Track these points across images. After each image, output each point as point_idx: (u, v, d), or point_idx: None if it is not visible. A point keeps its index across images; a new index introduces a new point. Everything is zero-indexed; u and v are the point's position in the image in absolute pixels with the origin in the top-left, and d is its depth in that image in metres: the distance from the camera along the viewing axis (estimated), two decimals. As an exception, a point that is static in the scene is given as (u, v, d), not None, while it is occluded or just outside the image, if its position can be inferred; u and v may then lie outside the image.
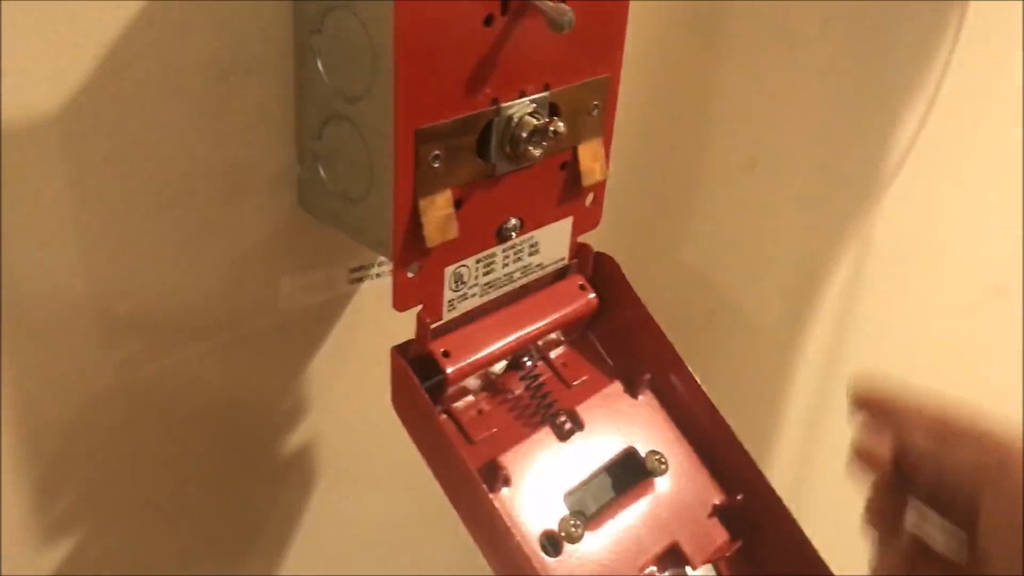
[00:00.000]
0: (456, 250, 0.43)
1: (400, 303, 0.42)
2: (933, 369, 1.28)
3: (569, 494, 0.45)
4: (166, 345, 0.45)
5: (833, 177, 0.86)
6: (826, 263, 0.93)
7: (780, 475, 1.02)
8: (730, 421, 0.48)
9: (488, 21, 0.39)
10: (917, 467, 0.40)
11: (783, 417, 0.99)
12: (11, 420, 0.41)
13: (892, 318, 1.11)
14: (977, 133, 1.05)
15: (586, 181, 0.47)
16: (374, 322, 0.53)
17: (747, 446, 0.48)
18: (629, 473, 0.47)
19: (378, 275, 0.52)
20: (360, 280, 0.51)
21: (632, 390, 0.50)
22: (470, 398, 0.47)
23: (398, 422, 0.58)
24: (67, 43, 0.37)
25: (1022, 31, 0.99)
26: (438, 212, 0.41)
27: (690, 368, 0.49)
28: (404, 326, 0.45)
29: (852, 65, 0.80)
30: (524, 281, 0.48)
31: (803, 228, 0.86)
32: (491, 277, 0.46)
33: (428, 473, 0.60)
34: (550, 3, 0.39)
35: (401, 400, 0.44)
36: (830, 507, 1.15)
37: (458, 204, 0.42)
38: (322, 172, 0.45)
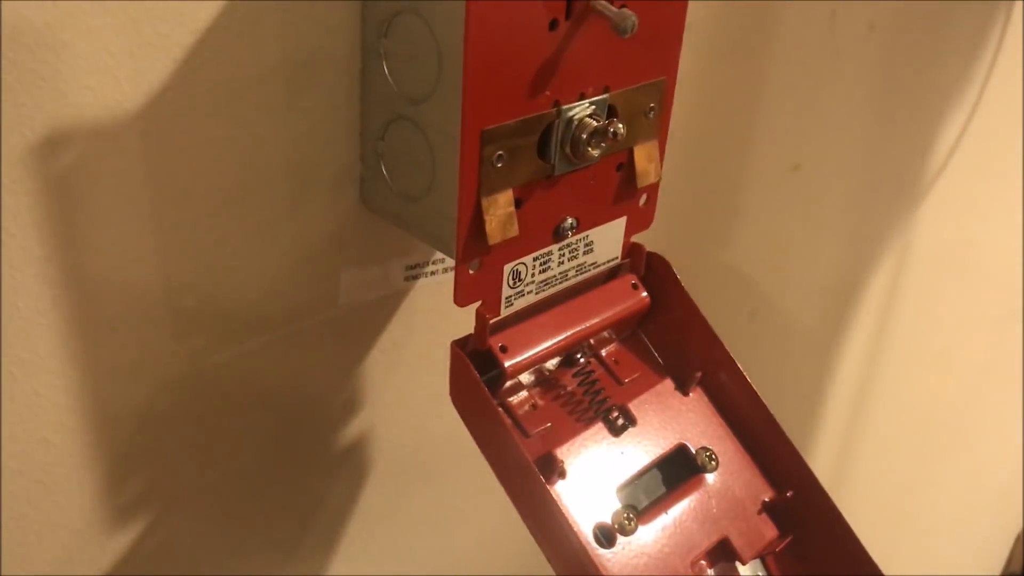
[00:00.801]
0: (515, 248, 0.44)
1: (461, 299, 0.43)
2: (967, 373, 1.28)
3: (622, 488, 0.46)
4: (232, 337, 0.47)
5: (875, 182, 0.87)
6: (866, 268, 0.94)
7: (820, 473, 1.02)
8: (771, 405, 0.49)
9: (553, 25, 0.40)
10: None
11: (822, 418, 0.99)
12: (85, 409, 0.43)
13: (930, 323, 1.11)
14: (1018, 140, 1.05)
15: (641, 182, 0.48)
16: (428, 319, 0.54)
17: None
18: (680, 468, 0.48)
19: (432, 273, 0.53)
20: (416, 277, 0.52)
21: (683, 387, 0.50)
22: (524, 393, 0.48)
23: (450, 417, 0.60)
24: (147, 44, 0.38)
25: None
26: (500, 211, 0.42)
27: (740, 366, 0.49)
28: (456, 323, 0.46)
29: (897, 70, 0.80)
30: (578, 279, 0.48)
31: (845, 232, 0.87)
32: (547, 275, 0.47)
33: (478, 468, 0.61)
34: (614, 8, 0.40)
35: (460, 393, 0.46)
36: (870, 506, 1.15)
37: (518, 203, 0.43)
38: (384, 171, 0.46)
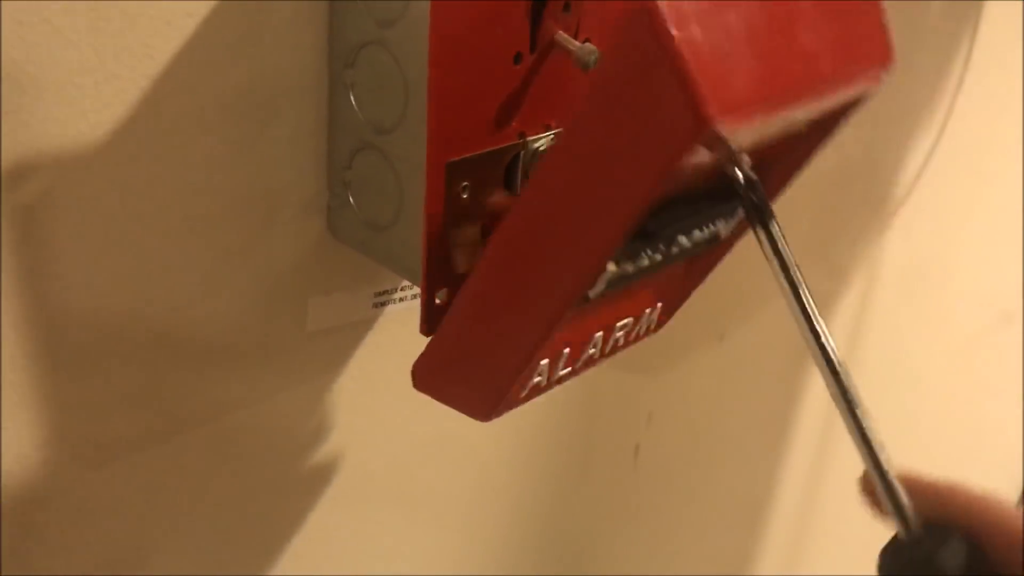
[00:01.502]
0: (481, 277, 0.45)
1: (428, 329, 0.43)
2: (940, 393, 1.29)
3: None
4: (200, 366, 0.46)
5: (842, 203, 0.88)
6: (835, 287, 0.94)
7: (791, 494, 1.03)
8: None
9: (517, 59, 0.41)
10: None
11: (793, 438, 1.00)
12: (51, 442, 0.43)
13: (900, 342, 1.12)
14: (985, 160, 1.06)
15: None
16: (396, 345, 0.54)
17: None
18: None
19: (401, 299, 0.53)
20: (384, 304, 0.52)
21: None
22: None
23: (421, 442, 0.60)
24: (113, 76, 0.38)
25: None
26: (466, 241, 0.43)
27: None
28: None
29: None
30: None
31: (813, 252, 0.88)
32: (514, 303, 0.47)
33: (452, 493, 0.61)
34: (576, 42, 0.41)
35: None
36: (842, 528, 1.16)
37: (484, 232, 0.44)
38: (352, 200, 0.46)
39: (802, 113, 0.36)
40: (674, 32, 0.30)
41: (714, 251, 0.46)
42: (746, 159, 0.37)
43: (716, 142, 0.32)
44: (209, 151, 0.42)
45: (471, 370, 0.41)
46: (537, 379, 0.41)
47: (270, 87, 0.43)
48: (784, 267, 0.37)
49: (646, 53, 0.31)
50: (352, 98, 0.44)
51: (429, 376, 0.42)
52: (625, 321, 0.45)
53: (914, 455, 1.27)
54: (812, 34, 0.36)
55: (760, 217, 0.37)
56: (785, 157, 0.43)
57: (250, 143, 0.44)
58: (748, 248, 0.80)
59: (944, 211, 1.05)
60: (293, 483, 0.54)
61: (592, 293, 0.38)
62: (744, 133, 0.34)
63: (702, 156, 0.34)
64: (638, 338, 0.47)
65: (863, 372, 1.06)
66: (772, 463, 0.99)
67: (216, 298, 0.46)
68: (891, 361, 1.11)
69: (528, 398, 0.42)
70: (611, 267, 0.37)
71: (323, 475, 0.56)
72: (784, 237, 0.37)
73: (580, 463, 0.75)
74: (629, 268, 0.38)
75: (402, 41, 0.41)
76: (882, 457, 0.37)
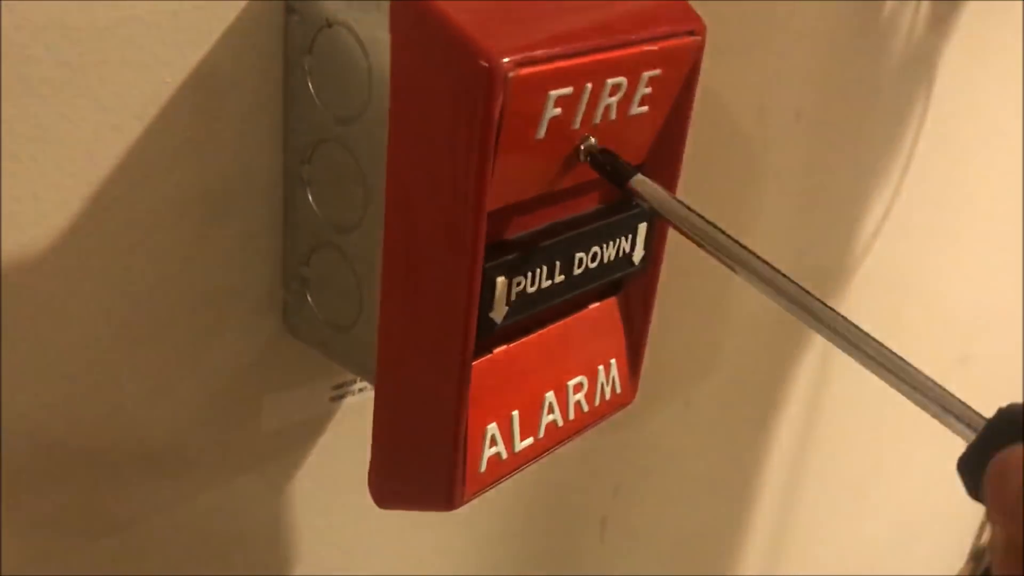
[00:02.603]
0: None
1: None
2: (901, 437, 1.29)
3: None
4: (150, 478, 0.44)
5: (802, 264, 0.87)
6: (796, 348, 0.94)
7: (757, 553, 1.02)
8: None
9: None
10: None
11: (759, 501, 0.99)
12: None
13: (862, 396, 1.12)
14: (941, 215, 1.07)
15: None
16: (356, 438, 0.52)
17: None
18: None
19: (360, 390, 0.51)
20: (342, 397, 0.50)
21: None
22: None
23: (381, 535, 0.57)
24: (53, 186, 0.36)
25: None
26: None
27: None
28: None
29: (823, 154, 0.81)
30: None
31: (774, 315, 0.87)
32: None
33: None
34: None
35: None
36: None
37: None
38: (310, 299, 0.44)
39: (605, 69, 0.36)
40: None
41: (640, 282, 0.45)
42: (593, 140, 0.37)
43: (523, 90, 0.32)
44: (157, 252, 0.40)
45: (416, 459, 0.39)
46: (493, 450, 0.40)
47: (223, 184, 0.41)
48: (663, 209, 0.37)
49: (419, 30, 0.33)
50: (309, 195, 0.42)
51: (385, 487, 0.40)
52: (577, 379, 0.43)
53: (875, 498, 1.26)
54: (594, 7, 0.37)
55: (618, 179, 0.37)
56: (660, 149, 0.42)
57: (201, 242, 0.41)
58: (711, 312, 0.79)
59: (902, 258, 1.05)
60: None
61: (497, 316, 0.37)
62: (546, 81, 0.33)
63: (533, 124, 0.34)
64: (607, 406, 0.46)
65: (825, 421, 1.05)
66: (739, 534, 0.98)
67: (164, 403, 0.43)
68: (855, 405, 1.11)
69: (495, 475, 0.40)
70: (501, 280, 0.36)
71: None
72: (661, 186, 0.38)
73: (545, 537, 0.73)
74: (528, 287, 0.38)
75: (361, 139, 0.39)
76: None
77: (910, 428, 1.28)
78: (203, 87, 0.39)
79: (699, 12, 0.40)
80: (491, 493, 0.42)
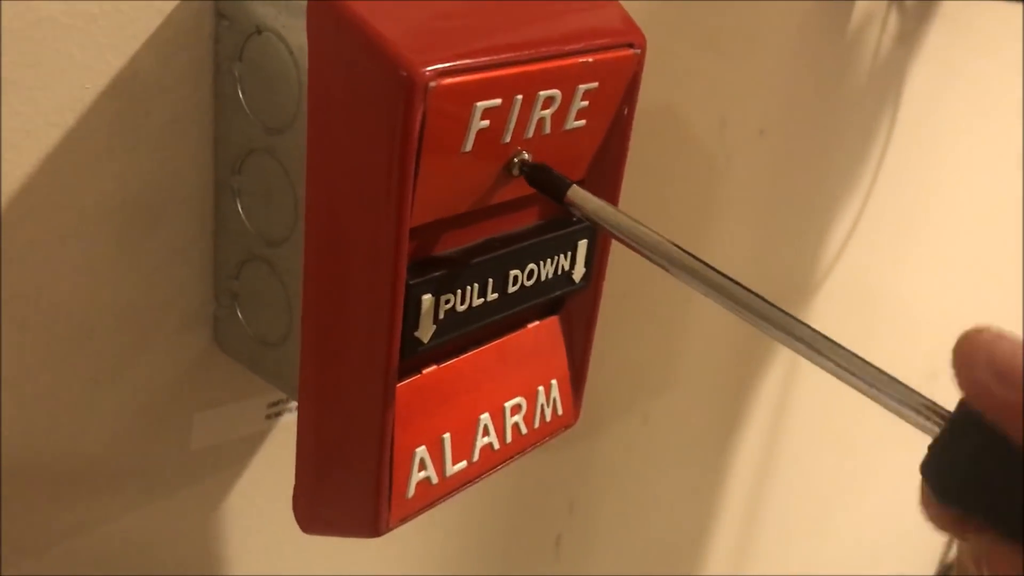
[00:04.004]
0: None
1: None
2: (866, 452, 1.29)
3: None
4: (74, 499, 0.42)
5: (765, 281, 0.86)
6: (759, 365, 0.93)
7: (720, 570, 1.01)
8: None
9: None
10: None
11: (719, 518, 0.98)
12: None
13: (825, 412, 1.11)
14: (907, 229, 1.06)
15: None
16: (292, 456, 0.50)
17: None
18: None
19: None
20: (279, 414, 0.49)
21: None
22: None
23: (319, 554, 0.56)
24: (-37, 192, 0.35)
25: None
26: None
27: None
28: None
29: (788, 171, 0.80)
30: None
31: (736, 331, 0.86)
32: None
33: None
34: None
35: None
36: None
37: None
38: (239, 313, 0.43)
39: (536, 81, 0.34)
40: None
41: (582, 300, 0.44)
42: (527, 154, 0.36)
43: (446, 101, 0.31)
44: (77, 264, 0.39)
45: (341, 484, 0.38)
46: (422, 474, 0.38)
47: (149, 194, 0.40)
48: (602, 219, 0.36)
49: (336, 35, 0.31)
50: (239, 206, 0.41)
51: (311, 512, 0.39)
52: (515, 401, 0.42)
53: (840, 514, 1.26)
54: (527, 18, 0.36)
55: (554, 192, 0.36)
56: (600, 164, 0.41)
57: (125, 253, 0.40)
58: (670, 325, 0.78)
59: (868, 274, 1.05)
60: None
61: (423, 336, 0.36)
62: (471, 92, 0.32)
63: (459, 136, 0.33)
64: (548, 428, 0.44)
65: (788, 435, 1.04)
66: (700, 551, 0.96)
67: (88, 420, 0.42)
68: (817, 423, 1.10)
69: (424, 500, 0.39)
70: (427, 297, 0.35)
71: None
72: (597, 197, 0.36)
73: (499, 555, 0.72)
74: (458, 305, 0.37)
75: (291, 150, 0.38)
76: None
77: (875, 443, 1.28)
78: (126, 93, 0.38)
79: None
80: (440, 508, 0.41)
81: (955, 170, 1.06)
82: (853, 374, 0.33)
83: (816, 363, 0.34)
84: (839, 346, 0.33)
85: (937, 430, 0.31)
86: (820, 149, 0.83)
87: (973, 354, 0.30)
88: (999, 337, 0.30)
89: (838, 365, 0.33)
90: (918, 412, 0.31)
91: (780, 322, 0.34)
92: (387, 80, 0.30)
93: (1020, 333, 0.30)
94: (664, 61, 0.62)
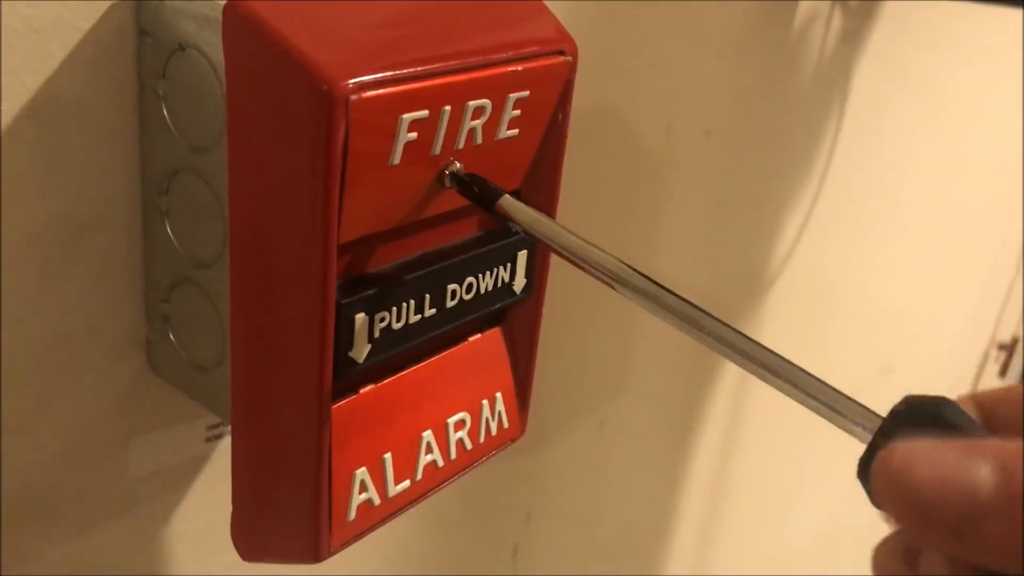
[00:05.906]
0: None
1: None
2: (823, 448, 1.29)
3: None
4: (11, 528, 0.41)
5: (716, 285, 0.86)
6: (712, 369, 0.93)
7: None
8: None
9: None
10: None
11: (677, 522, 0.98)
12: None
13: (783, 400, 1.11)
14: (859, 223, 1.07)
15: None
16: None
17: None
18: None
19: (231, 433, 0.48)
20: (219, 437, 0.48)
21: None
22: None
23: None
24: None
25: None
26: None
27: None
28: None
29: (735, 173, 0.80)
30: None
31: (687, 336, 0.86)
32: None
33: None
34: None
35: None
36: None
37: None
38: (172, 337, 0.41)
39: (465, 91, 0.34)
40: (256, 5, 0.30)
41: (524, 311, 0.43)
42: (459, 164, 0.35)
43: (370, 114, 0.30)
44: (1, 292, 0.37)
45: (278, 509, 0.37)
46: (363, 496, 0.37)
47: (74, 216, 0.39)
48: (533, 228, 0.35)
49: (252, 48, 0.30)
50: (168, 227, 0.40)
51: (249, 540, 0.38)
52: (459, 416, 0.41)
53: (797, 510, 1.26)
54: (454, 26, 0.35)
55: (485, 201, 0.35)
56: (536, 174, 0.40)
57: (50, 277, 0.39)
58: (623, 329, 0.78)
59: (821, 273, 1.05)
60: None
61: (358, 355, 0.35)
62: (395, 104, 0.31)
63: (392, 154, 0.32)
64: (494, 442, 0.44)
65: (744, 435, 1.04)
66: (659, 555, 0.96)
67: (17, 448, 0.40)
68: (773, 422, 1.10)
69: (366, 523, 0.38)
70: (360, 316, 0.34)
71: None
72: (530, 207, 0.35)
73: (457, 567, 0.71)
74: (394, 323, 0.36)
75: (218, 169, 0.37)
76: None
77: (831, 439, 1.28)
78: (45, 114, 0.37)
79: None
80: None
81: (903, 165, 1.06)
82: (787, 381, 0.33)
83: (758, 376, 0.34)
84: (780, 356, 0.33)
85: (870, 436, 0.31)
86: (768, 148, 0.83)
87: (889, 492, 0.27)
88: (911, 460, 0.26)
89: (778, 376, 0.33)
90: (855, 422, 0.31)
91: (712, 329, 0.34)
92: (307, 95, 0.30)
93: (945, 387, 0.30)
94: (607, 65, 0.62)
